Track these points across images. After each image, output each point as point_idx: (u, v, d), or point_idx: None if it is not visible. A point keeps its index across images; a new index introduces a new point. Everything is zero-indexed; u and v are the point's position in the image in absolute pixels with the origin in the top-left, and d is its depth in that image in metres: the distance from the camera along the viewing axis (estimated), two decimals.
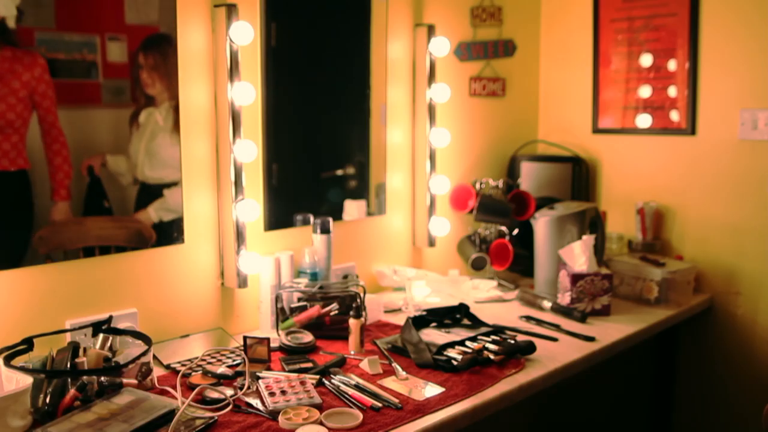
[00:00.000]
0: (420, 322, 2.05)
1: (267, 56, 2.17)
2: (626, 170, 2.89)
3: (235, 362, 1.82)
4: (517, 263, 2.65)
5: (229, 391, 1.60)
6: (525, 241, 2.68)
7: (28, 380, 1.46)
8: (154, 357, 1.78)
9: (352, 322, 1.93)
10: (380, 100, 2.53)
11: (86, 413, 1.43)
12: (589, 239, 2.33)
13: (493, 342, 1.93)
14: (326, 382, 1.70)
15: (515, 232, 2.71)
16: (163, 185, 1.94)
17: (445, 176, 2.65)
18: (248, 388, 1.63)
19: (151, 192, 1.92)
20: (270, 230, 2.22)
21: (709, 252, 2.67)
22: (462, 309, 2.13)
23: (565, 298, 2.33)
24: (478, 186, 2.75)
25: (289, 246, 2.26)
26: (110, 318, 1.74)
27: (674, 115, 2.72)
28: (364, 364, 1.80)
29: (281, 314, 2.06)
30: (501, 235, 2.72)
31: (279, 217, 2.25)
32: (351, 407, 1.57)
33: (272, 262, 2.10)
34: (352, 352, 1.91)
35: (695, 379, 2.75)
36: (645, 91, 2.81)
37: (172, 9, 1.90)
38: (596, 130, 2.97)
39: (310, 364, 1.80)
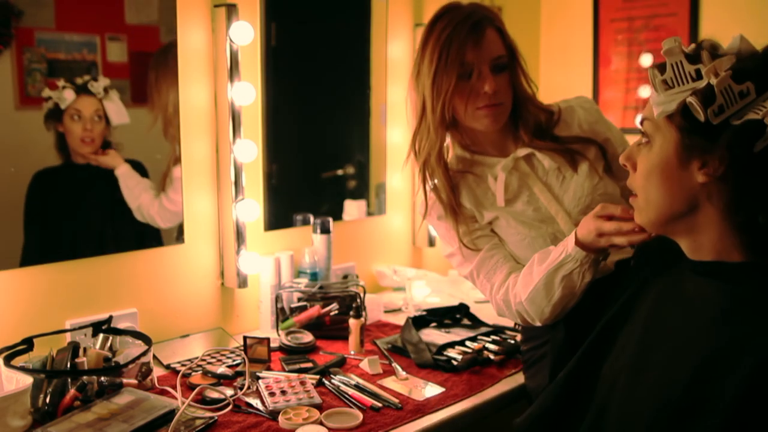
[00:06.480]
0: (420, 322, 2.05)
1: (267, 56, 2.17)
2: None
3: (235, 362, 1.82)
4: None
5: (229, 391, 1.60)
6: None
7: (28, 380, 1.45)
8: (154, 357, 1.78)
9: (352, 322, 1.93)
10: (380, 100, 2.53)
11: (86, 413, 1.43)
12: None
13: (493, 342, 1.93)
14: (326, 382, 1.70)
15: None
16: None
17: None
18: (248, 388, 1.63)
19: None
20: (270, 230, 2.22)
21: None
22: (462, 309, 2.13)
23: None
24: None
25: (289, 246, 2.25)
26: (110, 318, 1.74)
27: None
28: (364, 364, 1.80)
29: (281, 314, 2.06)
30: None
31: (279, 217, 2.25)
32: (351, 407, 1.57)
33: (272, 262, 2.10)
34: (352, 352, 1.91)
35: None
36: (645, 91, 2.81)
37: (172, 9, 1.90)
38: None
39: (310, 364, 1.80)
